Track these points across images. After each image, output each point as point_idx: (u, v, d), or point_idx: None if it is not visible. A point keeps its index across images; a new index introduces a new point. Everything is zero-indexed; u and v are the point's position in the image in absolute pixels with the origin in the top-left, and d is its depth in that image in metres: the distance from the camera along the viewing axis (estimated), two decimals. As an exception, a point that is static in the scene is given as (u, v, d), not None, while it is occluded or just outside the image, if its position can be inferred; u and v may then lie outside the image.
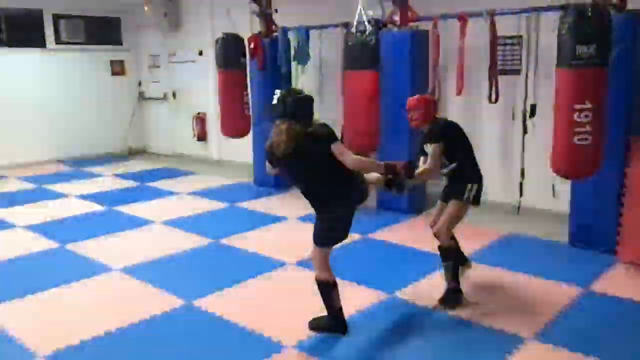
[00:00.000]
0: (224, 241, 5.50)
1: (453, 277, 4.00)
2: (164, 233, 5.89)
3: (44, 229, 6.00)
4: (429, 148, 3.93)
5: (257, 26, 7.64)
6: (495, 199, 6.34)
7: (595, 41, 4.13)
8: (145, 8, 9.91)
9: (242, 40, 7.29)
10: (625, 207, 4.72)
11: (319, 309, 3.60)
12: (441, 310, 3.92)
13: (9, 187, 8.18)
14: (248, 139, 7.74)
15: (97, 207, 6.90)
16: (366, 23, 5.91)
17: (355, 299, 4.05)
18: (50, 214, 6.59)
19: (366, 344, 3.52)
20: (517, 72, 5.94)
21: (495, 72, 5.52)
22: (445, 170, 4.03)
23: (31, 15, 9.59)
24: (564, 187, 5.23)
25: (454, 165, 3.97)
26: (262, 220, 6.24)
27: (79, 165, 9.69)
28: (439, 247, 4.06)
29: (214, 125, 9.57)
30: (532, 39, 5.32)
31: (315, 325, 3.61)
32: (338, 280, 3.56)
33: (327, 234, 3.47)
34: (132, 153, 10.91)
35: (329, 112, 6.48)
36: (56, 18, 9.81)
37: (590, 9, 4.13)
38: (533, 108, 5.44)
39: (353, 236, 5.42)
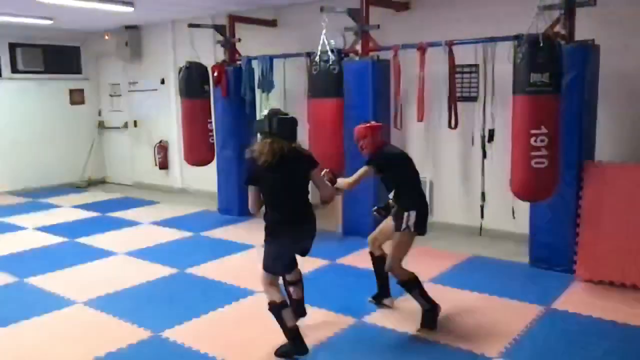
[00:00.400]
0: (190, 271, 5.44)
1: (425, 300, 4.04)
2: (127, 264, 5.78)
3: (1, 263, 5.79)
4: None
5: (221, 55, 7.71)
6: (458, 222, 6.50)
7: (548, 69, 4.34)
8: (106, 37, 9.86)
9: (206, 68, 7.33)
10: (580, 227, 4.92)
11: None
12: (423, 333, 3.95)
13: (-38, 220, 7.89)
14: (212, 167, 7.72)
15: (57, 239, 6.71)
16: (330, 52, 6.05)
17: (325, 325, 4.06)
18: (8, 247, 6.37)
19: (338, 370, 3.53)
20: (475, 99, 6.16)
21: (454, 99, 5.72)
22: (390, 197, 4.14)
23: (-15, 44, 9.41)
24: (524, 209, 5.41)
25: (392, 193, 4.07)
26: (228, 248, 6.20)
27: (36, 197, 9.42)
28: (397, 283, 4.10)
29: (176, 154, 9.50)
30: (489, 67, 5.54)
31: (281, 352, 3.61)
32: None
33: (272, 261, 3.61)
34: (92, 183, 10.69)
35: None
36: (12, 47, 9.64)
37: (542, 39, 4.35)
38: (491, 133, 5.64)
39: (321, 262, 5.46)
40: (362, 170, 4.03)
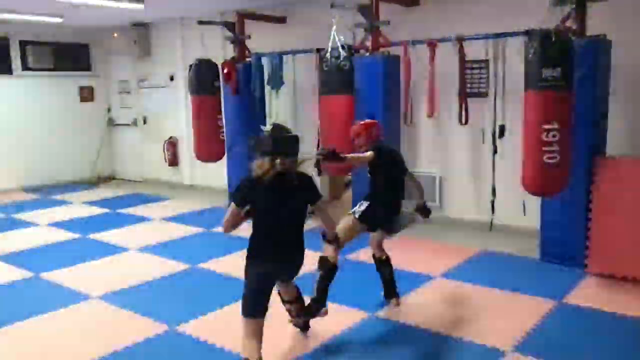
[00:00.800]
0: (202, 266, 5.49)
1: (321, 294, 3.94)
2: (140, 259, 5.83)
3: (16, 258, 5.86)
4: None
5: (230, 52, 7.74)
6: (468, 217, 6.52)
7: (560, 65, 4.35)
8: (115, 35, 9.91)
9: (216, 65, 7.36)
10: (592, 221, 4.93)
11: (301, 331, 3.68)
12: (294, 322, 3.86)
13: (-25, 216, 7.98)
14: (222, 164, 7.77)
15: (70, 235, 6.78)
16: (340, 49, 6.06)
17: (337, 318, 4.10)
18: (23, 243, 6.44)
19: (352, 363, 3.56)
20: (485, 94, 6.17)
21: (465, 95, 5.73)
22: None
23: (-3, 42, 9.48)
24: (534, 204, 5.42)
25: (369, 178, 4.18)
26: (239, 244, 6.17)
27: (47, 194, 9.50)
28: (319, 260, 4.01)
29: (185, 150, 9.55)
30: (499, 62, 5.54)
31: None
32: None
33: (254, 295, 3.20)
34: (101, 180, 10.77)
35: (304, 135, 6.56)
36: (23, 45, 9.72)
37: (553, 34, 4.36)
38: (502, 129, 5.65)
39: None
40: (368, 153, 4.09)
